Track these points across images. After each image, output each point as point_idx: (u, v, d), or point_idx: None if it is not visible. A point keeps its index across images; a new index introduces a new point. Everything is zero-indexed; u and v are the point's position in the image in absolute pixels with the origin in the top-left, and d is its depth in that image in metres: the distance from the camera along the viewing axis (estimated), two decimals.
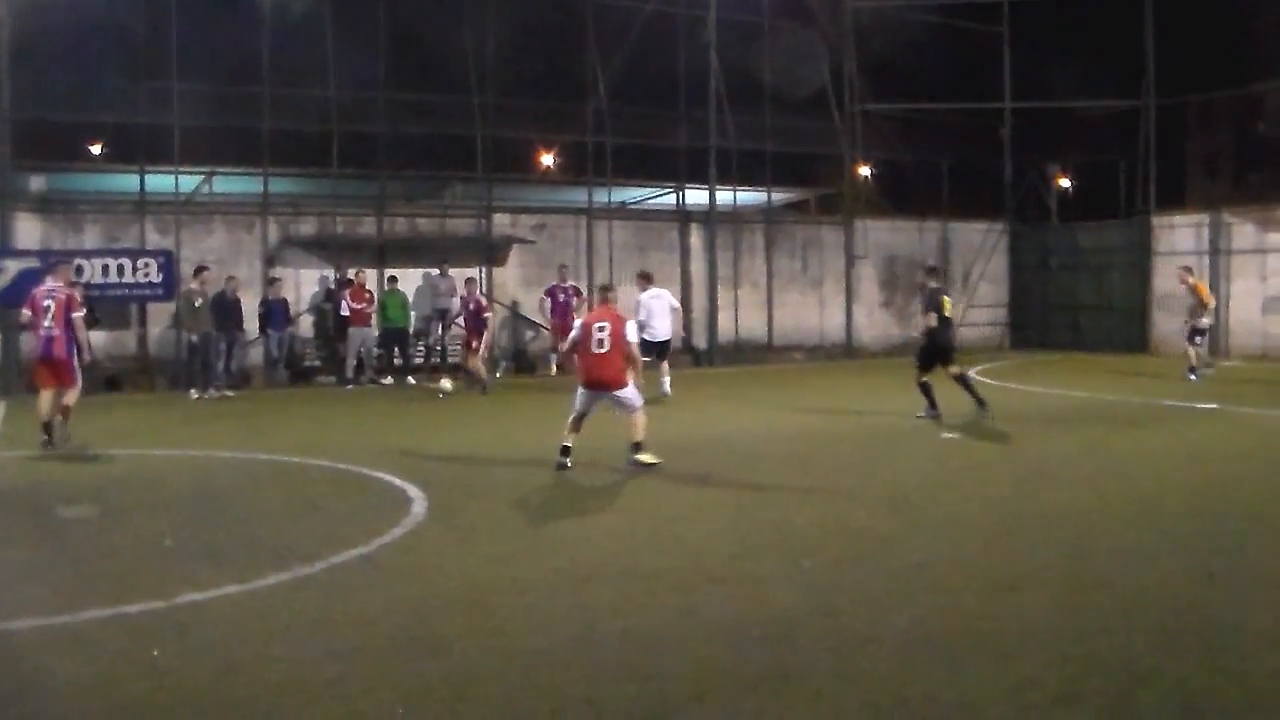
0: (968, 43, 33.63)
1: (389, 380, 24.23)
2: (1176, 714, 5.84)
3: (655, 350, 20.31)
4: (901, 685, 6.19)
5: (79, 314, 15.34)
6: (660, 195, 30.25)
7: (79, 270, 21.34)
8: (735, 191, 29.89)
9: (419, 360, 25.65)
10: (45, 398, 15.11)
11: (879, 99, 31.77)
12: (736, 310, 29.83)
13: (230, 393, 21.69)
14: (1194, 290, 23.46)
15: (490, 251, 27.04)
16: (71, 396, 15.21)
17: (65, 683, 6.35)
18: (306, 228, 25.97)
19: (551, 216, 28.65)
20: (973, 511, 10.79)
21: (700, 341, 29.49)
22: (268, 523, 10.58)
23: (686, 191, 29.80)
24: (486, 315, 22.06)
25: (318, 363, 25.36)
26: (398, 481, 12.27)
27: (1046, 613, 7.50)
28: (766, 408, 19.71)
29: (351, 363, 24.19)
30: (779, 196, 32.33)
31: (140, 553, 9.40)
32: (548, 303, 26.43)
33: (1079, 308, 32.92)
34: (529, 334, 27.47)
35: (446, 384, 21.53)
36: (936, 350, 17.53)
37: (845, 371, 27.10)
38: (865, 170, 36.33)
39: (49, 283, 15.53)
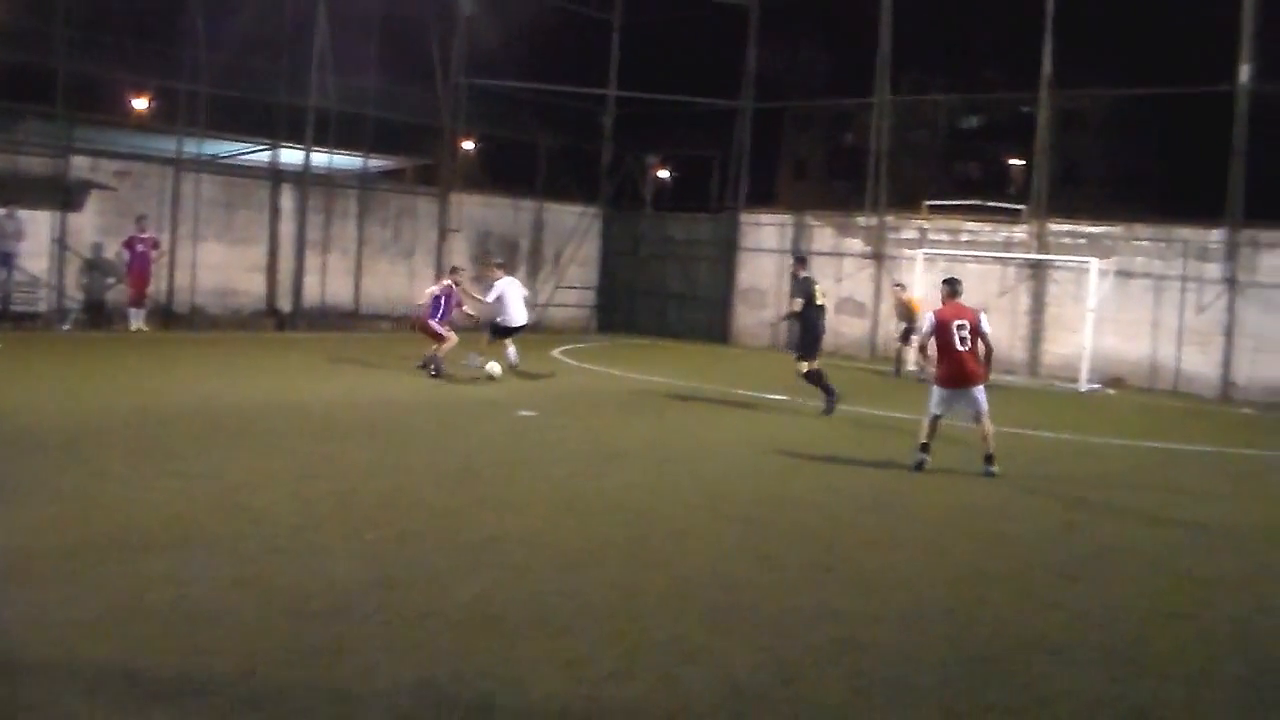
0: (579, 28, 34.21)
1: None
2: (721, 690, 6.14)
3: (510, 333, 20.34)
4: (458, 659, 6.27)
5: None
6: (254, 152, 29.25)
7: None
8: (331, 154, 29.28)
9: None
10: None
11: (486, 74, 31.79)
12: (325, 275, 29.26)
13: None
14: (908, 306, 25.20)
15: (66, 195, 25.37)
16: None
17: None
18: None
19: (137, 164, 27.15)
20: (542, 489, 11.00)
21: (285, 305, 28.74)
22: None
23: (281, 150, 28.93)
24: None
25: None
26: None
27: (605, 591, 7.76)
28: (346, 376, 19.44)
29: None
30: (376, 163, 31.91)
31: None
32: (125, 254, 25.13)
33: (666, 296, 34.15)
34: (107, 282, 25.90)
35: (495, 368, 19.53)
36: (815, 337, 17.91)
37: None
38: (466, 144, 36.38)
39: None
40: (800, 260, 19.49)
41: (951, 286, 13.70)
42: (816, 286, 18.24)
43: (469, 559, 8.30)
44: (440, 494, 10.47)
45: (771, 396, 19.39)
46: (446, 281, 20.79)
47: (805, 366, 17.97)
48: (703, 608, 7.53)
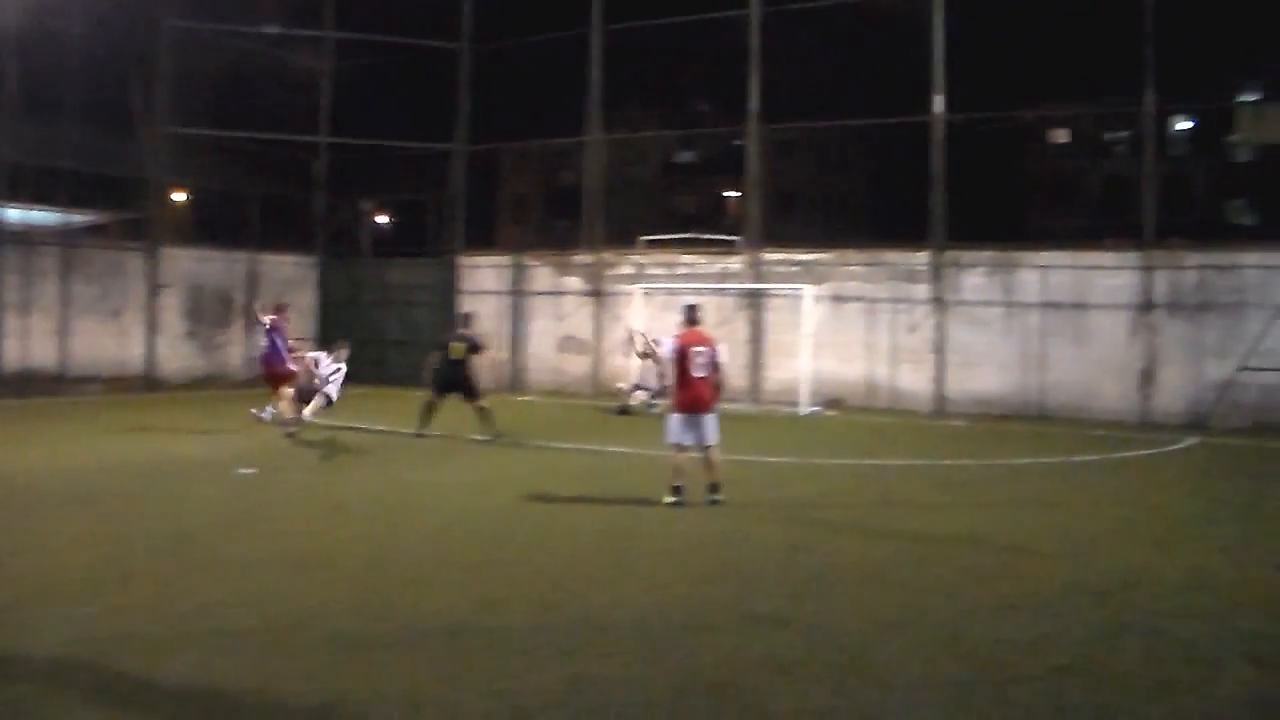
0: (289, 75, 33.57)
1: None
2: None
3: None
4: None
5: None
6: None
7: None
8: (27, 210, 27.85)
9: None
10: None
11: (193, 123, 30.84)
12: (25, 339, 27.76)
13: None
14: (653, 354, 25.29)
15: None
16: None
17: None
18: None
19: None
20: (262, 549, 10.63)
21: None
22: None
23: None
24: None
25: None
26: None
27: (330, 649, 7.52)
28: (53, 444, 18.39)
29: None
30: (77, 218, 30.52)
31: None
32: None
33: (386, 343, 33.57)
34: None
35: (306, 412, 19.68)
36: (444, 383, 19.76)
37: (144, 404, 25.93)
38: (175, 196, 35.22)
39: None
40: (460, 316, 21.87)
41: (691, 313, 13.84)
42: (454, 343, 19.84)
43: (184, 628, 7.92)
44: (153, 562, 9.99)
45: (477, 438, 19.29)
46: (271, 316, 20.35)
47: (477, 404, 19.72)
48: (431, 658, 7.38)
